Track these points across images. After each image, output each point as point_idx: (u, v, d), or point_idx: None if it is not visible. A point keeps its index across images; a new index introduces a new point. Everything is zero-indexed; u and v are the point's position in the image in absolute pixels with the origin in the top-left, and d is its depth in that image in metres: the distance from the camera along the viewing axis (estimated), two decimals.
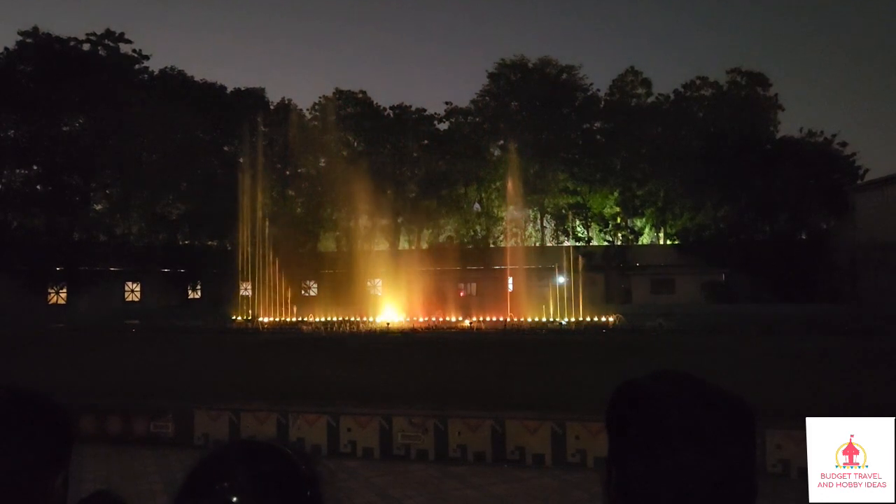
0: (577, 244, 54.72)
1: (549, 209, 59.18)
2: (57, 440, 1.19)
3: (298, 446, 0.99)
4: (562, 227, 59.50)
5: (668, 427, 0.98)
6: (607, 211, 57.41)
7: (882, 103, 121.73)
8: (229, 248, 48.25)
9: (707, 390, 1.03)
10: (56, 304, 45.06)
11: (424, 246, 53.59)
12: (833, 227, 49.93)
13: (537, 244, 58.77)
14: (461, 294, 48.12)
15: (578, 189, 56.77)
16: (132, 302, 47.77)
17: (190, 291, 50.72)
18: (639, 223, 58.39)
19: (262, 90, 59.70)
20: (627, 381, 1.09)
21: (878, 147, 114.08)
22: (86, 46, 50.01)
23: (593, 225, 58.22)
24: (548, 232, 61.84)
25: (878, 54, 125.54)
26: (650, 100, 60.31)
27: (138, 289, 48.71)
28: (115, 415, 9.38)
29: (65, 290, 45.73)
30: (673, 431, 0.98)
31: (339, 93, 61.04)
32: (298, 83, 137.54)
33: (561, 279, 49.86)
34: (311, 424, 8.80)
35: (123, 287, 48.19)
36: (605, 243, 56.26)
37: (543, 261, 50.59)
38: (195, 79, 55.32)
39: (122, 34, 51.48)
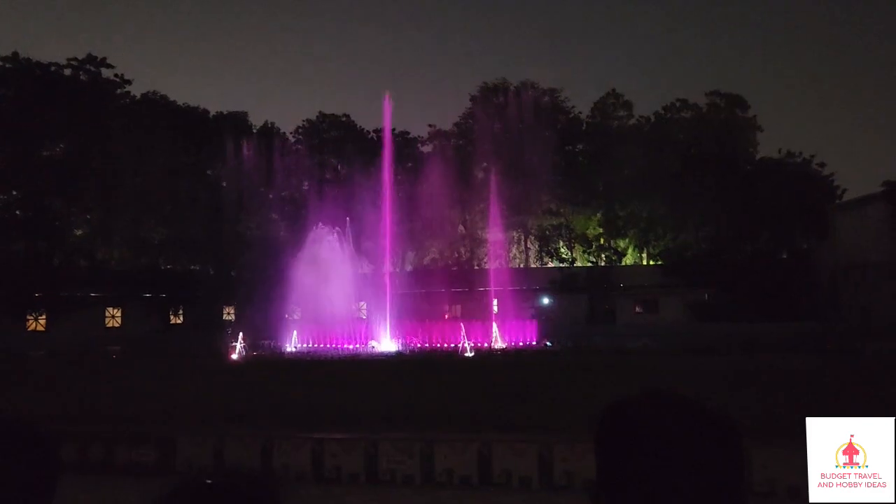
0: (561, 265, 54.91)
1: (532, 230, 59.37)
2: (42, 470, 1.17)
3: (258, 481, 0.94)
4: (546, 249, 59.68)
5: (656, 447, 0.98)
6: (590, 232, 57.72)
7: (859, 123, 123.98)
8: (212, 273, 47.90)
9: (695, 410, 1.03)
10: (35, 331, 44.37)
11: (409, 268, 53.48)
12: (813, 246, 50.49)
13: (521, 265, 58.90)
14: (446, 316, 48.03)
15: (561, 210, 57.07)
16: (113, 328, 47.15)
17: (172, 316, 50.20)
18: (622, 244, 58.73)
19: (245, 114, 59.75)
20: (616, 402, 1.09)
21: (855, 167, 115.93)
22: (67, 71, 49.79)
23: (577, 246, 58.48)
24: (532, 253, 61.99)
25: (855, 75, 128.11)
26: (631, 122, 60.97)
27: (119, 314, 48.12)
28: (96, 442, 9.22)
29: (44, 317, 45.07)
30: (662, 451, 0.98)
31: (322, 116, 61.21)
32: (282, 107, 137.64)
33: (545, 300, 50.06)
34: (296, 450, 8.70)
35: (104, 313, 47.58)
36: (589, 264, 56.48)
37: (528, 282, 50.77)
38: (177, 103, 55.23)
39: (103, 59, 51.37)
